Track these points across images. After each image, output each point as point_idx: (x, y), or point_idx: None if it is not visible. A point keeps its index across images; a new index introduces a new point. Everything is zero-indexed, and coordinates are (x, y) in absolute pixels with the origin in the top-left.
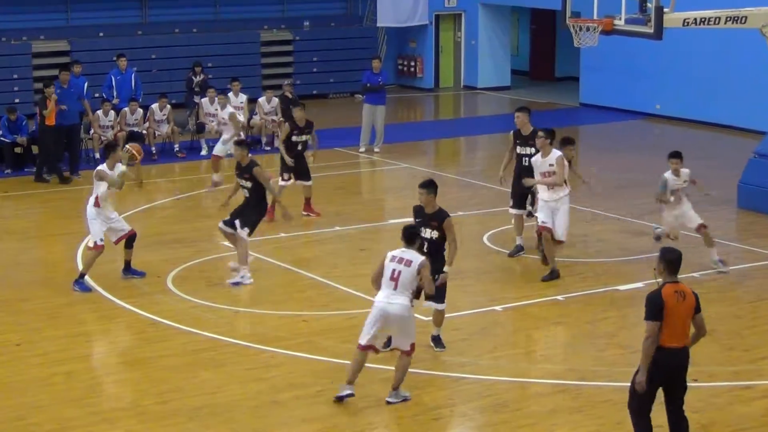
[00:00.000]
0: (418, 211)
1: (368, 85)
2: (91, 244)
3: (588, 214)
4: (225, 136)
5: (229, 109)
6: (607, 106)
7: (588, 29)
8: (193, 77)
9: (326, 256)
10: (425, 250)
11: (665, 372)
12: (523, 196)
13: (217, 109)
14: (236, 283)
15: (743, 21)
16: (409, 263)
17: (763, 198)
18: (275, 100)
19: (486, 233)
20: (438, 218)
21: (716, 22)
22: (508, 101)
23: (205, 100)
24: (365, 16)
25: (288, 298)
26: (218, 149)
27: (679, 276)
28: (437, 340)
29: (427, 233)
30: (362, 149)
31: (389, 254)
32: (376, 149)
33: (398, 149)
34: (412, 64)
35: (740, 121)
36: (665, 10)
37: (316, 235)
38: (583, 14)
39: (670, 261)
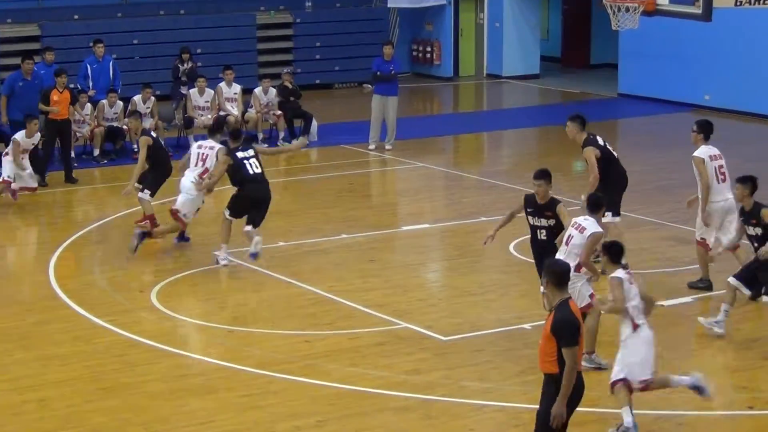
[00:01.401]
0: (529, 200)
1: (378, 73)
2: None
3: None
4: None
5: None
6: (648, 96)
7: (627, 10)
8: (180, 65)
9: (331, 268)
10: (545, 238)
11: (579, 397)
12: None
13: (207, 102)
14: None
15: None
16: (582, 230)
17: None
18: (273, 91)
19: (512, 242)
20: (551, 207)
21: None
22: (537, 91)
23: (193, 91)
24: None
25: (288, 316)
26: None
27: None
28: None
29: (543, 222)
30: (372, 146)
31: (573, 220)
32: (387, 146)
33: (412, 146)
34: (429, 49)
35: None
36: None
37: (319, 244)
38: None
39: (556, 274)
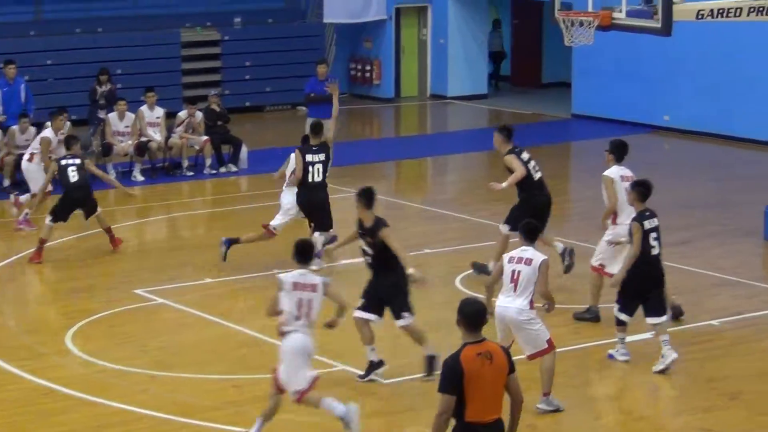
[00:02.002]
0: (359, 223)
1: (312, 95)
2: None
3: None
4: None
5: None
6: (604, 117)
7: (582, 24)
8: (98, 87)
9: (262, 306)
10: (371, 266)
11: None
12: None
13: (127, 127)
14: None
15: None
16: (529, 262)
17: None
18: (199, 115)
19: (459, 275)
20: (373, 232)
21: (737, 14)
22: (486, 113)
23: (113, 115)
24: (309, 11)
25: (216, 359)
26: None
27: (695, 323)
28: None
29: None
30: None
31: (506, 256)
32: None
33: (351, 173)
34: (368, 68)
35: (765, 134)
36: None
37: (249, 281)
38: (575, 6)
39: (469, 315)
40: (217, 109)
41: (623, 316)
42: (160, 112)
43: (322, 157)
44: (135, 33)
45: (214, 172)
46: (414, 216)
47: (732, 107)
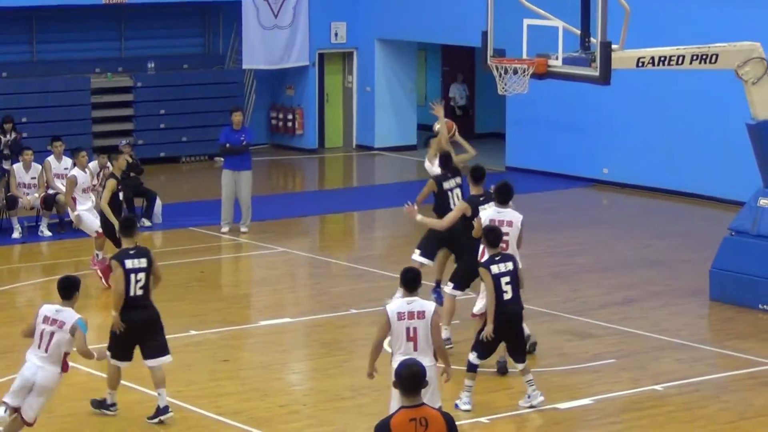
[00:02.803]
0: None
1: (228, 145)
2: None
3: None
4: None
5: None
6: (540, 170)
7: (516, 72)
8: (2, 136)
9: (178, 370)
10: None
11: None
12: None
13: (34, 179)
14: None
15: (713, 60)
16: (422, 315)
17: (742, 287)
18: (111, 167)
19: (388, 336)
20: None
21: (679, 62)
22: (414, 164)
23: (18, 166)
24: (228, 56)
25: (126, 426)
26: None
27: (638, 388)
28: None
29: None
30: (225, 229)
31: (394, 313)
32: (242, 228)
33: (271, 228)
34: (290, 117)
35: (709, 189)
36: (614, 46)
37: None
38: (509, 53)
39: (405, 378)
40: (130, 160)
41: (477, 362)
42: (68, 162)
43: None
44: (42, 79)
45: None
46: (339, 274)
47: (674, 160)
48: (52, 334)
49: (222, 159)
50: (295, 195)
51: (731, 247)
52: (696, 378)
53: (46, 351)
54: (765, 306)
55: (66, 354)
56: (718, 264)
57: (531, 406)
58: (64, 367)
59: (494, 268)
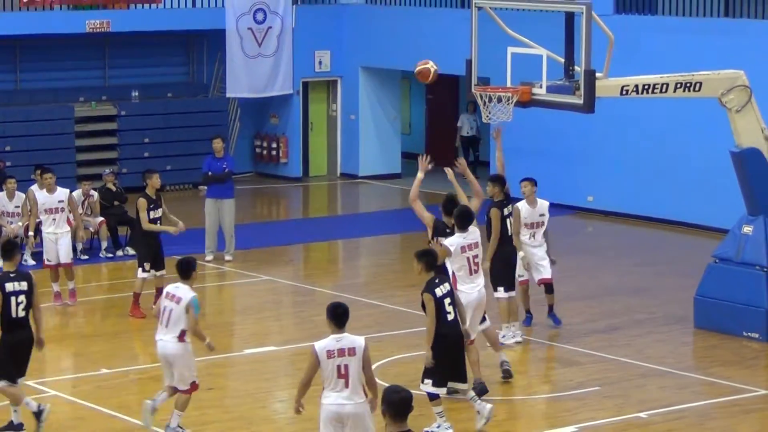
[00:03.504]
0: None
1: (210, 173)
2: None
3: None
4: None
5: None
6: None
7: (500, 100)
8: None
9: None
10: None
11: None
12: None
13: (18, 207)
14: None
15: (697, 88)
16: (353, 352)
17: (726, 314)
18: (96, 194)
19: (374, 364)
20: None
21: (663, 90)
22: (399, 193)
23: (1, 195)
24: (212, 85)
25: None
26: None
27: (622, 415)
28: None
29: None
30: (209, 258)
31: (324, 351)
32: (227, 257)
33: (255, 256)
34: (274, 146)
35: (693, 216)
36: (598, 74)
37: (147, 371)
38: (493, 81)
39: (393, 403)
40: (113, 188)
41: (436, 390)
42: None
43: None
44: (25, 107)
45: (111, 255)
46: (324, 302)
47: (658, 188)
48: (171, 310)
49: (205, 188)
50: (278, 223)
51: (715, 275)
52: (680, 405)
53: (167, 326)
54: (749, 333)
55: (183, 331)
56: (702, 291)
57: (487, 420)
58: (181, 337)
59: (437, 291)
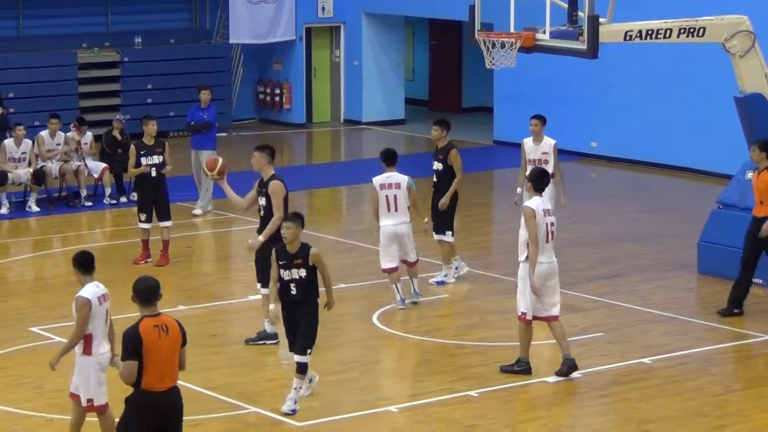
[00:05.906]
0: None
1: (192, 123)
2: None
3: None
4: None
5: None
6: None
7: (503, 46)
8: None
9: None
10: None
11: (156, 418)
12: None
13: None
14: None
15: (701, 33)
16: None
17: (730, 260)
18: (89, 136)
19: (376, 311)
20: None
21: (667, 36)
22: (403, 138)
23: (8, 142)
24: (215, 31)
25: (116, 399)
26: None
27: (626, 361)
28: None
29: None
30: (198, 211)
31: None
32: (196, 210)
33: None
34: (277, 92)
35: (697, 162)
36: (601, 20)
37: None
38: (496, 26)
39: (142, 291)
40: (119, 136)
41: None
42: (61, 139)
43: None
44: (28, 54)
45: (115, 202)
46: (328, 249)
47: (662, 134)
48: (395, 196)
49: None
50: (282, 170)
51: (719, 221)
52: (683, 351)
53: (397, 210)
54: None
55: (410, 207)
56: (706, 237)
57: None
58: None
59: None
